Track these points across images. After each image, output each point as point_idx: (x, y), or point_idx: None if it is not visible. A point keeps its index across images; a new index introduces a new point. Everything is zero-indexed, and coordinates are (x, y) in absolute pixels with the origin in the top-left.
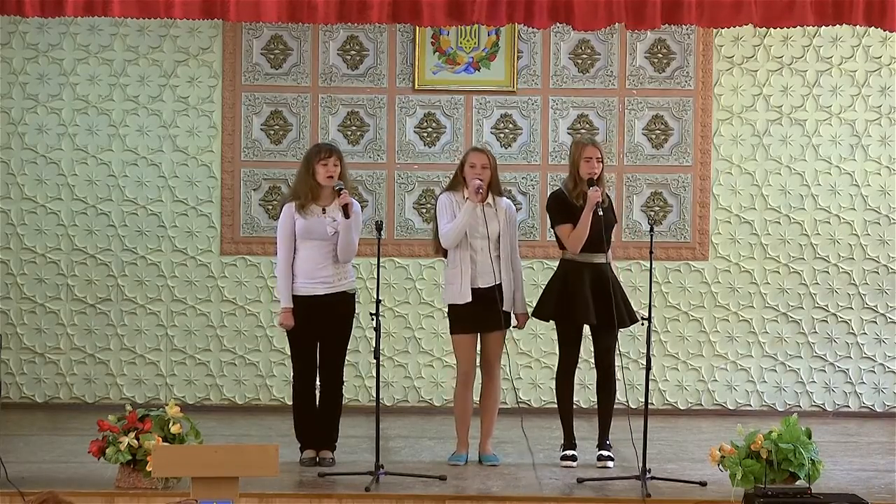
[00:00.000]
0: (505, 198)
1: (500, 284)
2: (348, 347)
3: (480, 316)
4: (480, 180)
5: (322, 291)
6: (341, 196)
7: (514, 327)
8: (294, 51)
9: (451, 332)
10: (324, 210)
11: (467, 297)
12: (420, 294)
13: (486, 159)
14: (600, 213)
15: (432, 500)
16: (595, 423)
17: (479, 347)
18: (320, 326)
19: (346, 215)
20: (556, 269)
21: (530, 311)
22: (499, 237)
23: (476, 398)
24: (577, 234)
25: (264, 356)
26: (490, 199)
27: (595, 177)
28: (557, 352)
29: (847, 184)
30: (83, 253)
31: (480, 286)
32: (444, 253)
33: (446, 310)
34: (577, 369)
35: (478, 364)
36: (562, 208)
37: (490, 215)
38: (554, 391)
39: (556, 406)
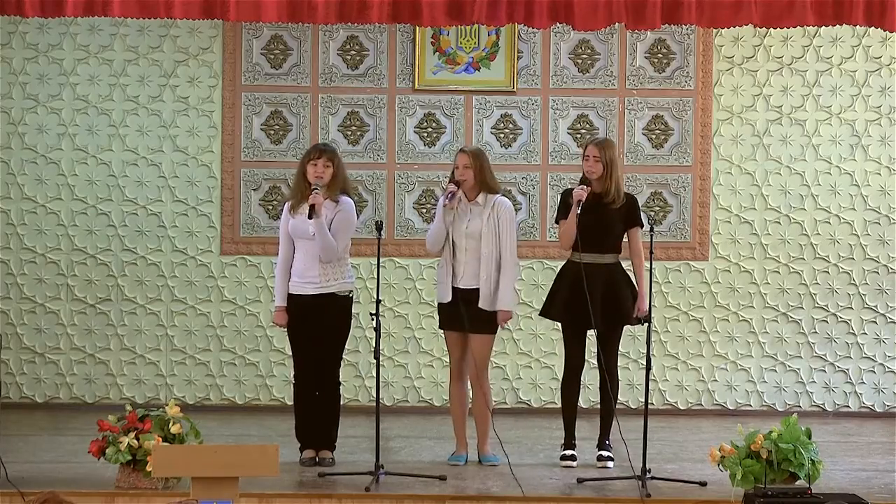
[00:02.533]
0: (500, 195)
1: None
2: (348, 347)
3: (462, 316)
4: (455, 185)
5: (311, 291)
6: (311, 195)
7: (501, 326)
8: (294, 51)
9: (439, 327)
10: None
11: (448, 298)
12: (420, 294)
13: (467, 160)
14: (578, 212)
15: (432, 500)
16: (595, 423)
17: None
18: (313, 326)
19: (310, 215)
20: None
21: (528, 310)
22: (481, 235)
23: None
24: (562, 231)
25: (264, 356)
26: (480, 198)
27: (594, 176)
28: (563, 353)
29: (847, 184)
30: (83, 253)
31: (462, 287)
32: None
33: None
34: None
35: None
36: (562, 204)
37: (475, 213)
38: (558, 391)
39: (555, 406)
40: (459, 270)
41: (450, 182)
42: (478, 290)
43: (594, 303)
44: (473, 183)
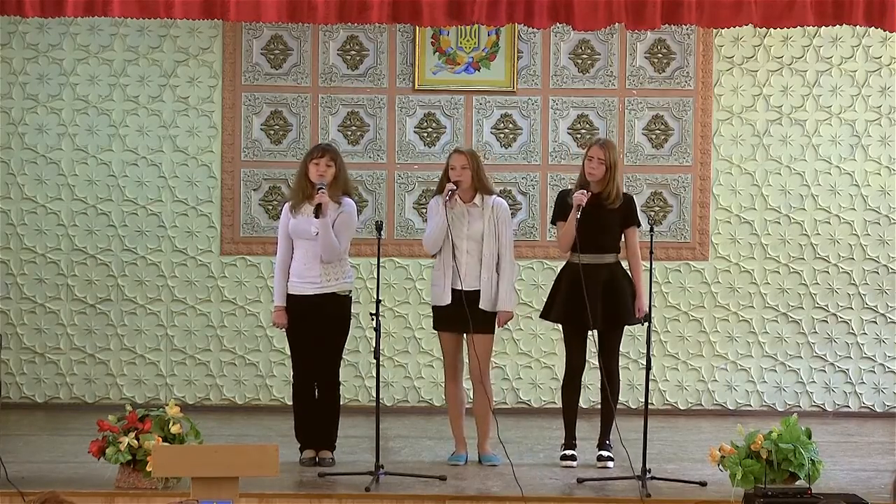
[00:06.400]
0: (496, 196)
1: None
2: (348, 347)
3: (462, 318)
4: (453, 185)
5: (311, 291)
6: (317, 195)
7: (499, 326)
8: (294, 51)
9: (434, 328)
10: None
11: (446, 300)
12: (420, 294)
13: (464, 160)
14: (578, 216)
15: (432, 500)
16: (595, 422)
17: (466, 349)
18: (313, 327)
19: (317, 215)
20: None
21: (528, 310)
22: (482, 237)
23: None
24: (561, 234)
25: (264, 356)
26: (477, 199)
27: (595, 178)
28: (564, 353)
29: (847, 184)
30: (83, 253)
31: (463, 288)
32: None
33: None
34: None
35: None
36: (559, 206)
37: (475, 215)
38: (558, 391)
39: (556, 406)
40: (462, 272)
41: (445, 181)
42: (475, 291)
43: (595, 303)
44: (470, 183)
